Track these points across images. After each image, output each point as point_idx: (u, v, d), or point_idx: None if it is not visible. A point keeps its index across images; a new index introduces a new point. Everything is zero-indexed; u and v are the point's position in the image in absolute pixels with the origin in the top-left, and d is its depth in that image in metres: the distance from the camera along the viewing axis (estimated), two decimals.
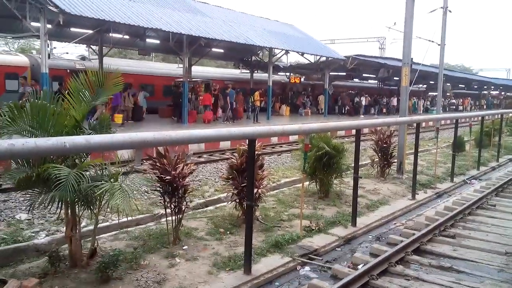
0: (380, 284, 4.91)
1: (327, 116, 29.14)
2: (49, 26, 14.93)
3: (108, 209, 5.12)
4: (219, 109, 23.40)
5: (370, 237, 6.88)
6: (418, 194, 9.38)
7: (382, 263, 5.35)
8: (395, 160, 11.04)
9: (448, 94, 45.36)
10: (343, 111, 32.77)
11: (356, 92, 37.29)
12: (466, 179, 11.43)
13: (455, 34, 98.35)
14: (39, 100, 4.63)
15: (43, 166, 4.28)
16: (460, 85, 50.20)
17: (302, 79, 33.14)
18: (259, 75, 30.67)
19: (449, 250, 6.04)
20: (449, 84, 40.46)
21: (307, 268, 5.51)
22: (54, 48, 27.53)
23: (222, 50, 27.26)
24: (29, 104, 4.56)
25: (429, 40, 20.37)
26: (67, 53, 25.26)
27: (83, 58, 24.96)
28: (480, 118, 14.32)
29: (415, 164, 9.27)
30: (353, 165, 7.47)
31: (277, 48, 24.11)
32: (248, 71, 30.88)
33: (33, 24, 15.22)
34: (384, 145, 10.65)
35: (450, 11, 20.41)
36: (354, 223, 7.07)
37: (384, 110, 35.76)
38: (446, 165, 12.53)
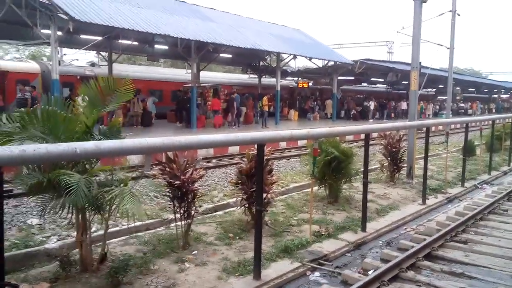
0: None
1: (336, 120, 29.07)
2: (59, 33, 15.10)
3: (118, 214, 5.13)
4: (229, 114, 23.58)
5: (380, 242, 6.83)
6: (428, 199, 9.30)
7: (393, 268, 5.30)
8: (405, 165, 10.97)
9: (458, 98, 45.00)
10: (350, 116, 32.50)
11: (364, 96, 37.17)
12: (477, 183, 11.31)
13: (464, 38, 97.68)
14: (49, 106, 4.67)
15: (54, 172, 4.32)
16: (470, 89, 49.81)
17: (310, 84, 33.12)
18: (267, 80, 30.73)
19: (460, 256, 5.97)
20: (458, 88, 40.18)
21: (317, 273, 5.47)
22: (65, 54, 27.85)
23: (230, 55, 27.40)
24: (40, 110, 4.61)
25: (438, 44, 20.28)
26: (77, 59, 25.47)
27: (92, 64, 25.21)
28: (490, 122, 14.19)
29: (425, 168, 9.21)
30: (362, 169, 7.44)
31: (285, 53, 24.14)
32: (256, 76, 30.95)
33: (44, 31, 15.42)
34: (394, 150, 10.58)
35: (459, 15, 20.36)
36: (364, 228, 7.02)
37: (392, 115, 35.49)
38: (457, 170, 12.42)
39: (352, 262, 5.96)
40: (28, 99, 16.09)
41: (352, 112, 32.52)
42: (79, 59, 26.81)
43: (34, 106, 14.59)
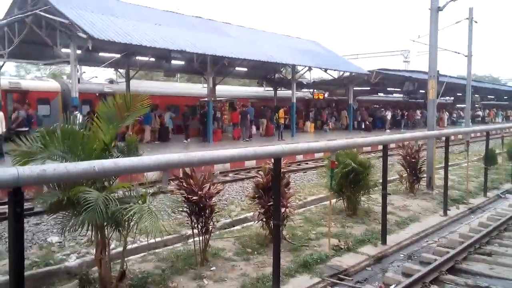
0: None
1: (352, 131, 28.84)
2: (78, 51, 15.45)
3: (137, 232, 5.16)
4: (253, 126, 24.32)
5: (402, 255, 6.68)
6: (450, 210, 9.10)
7: (416, 283, 5.18)
8: (424, 175, 10.78)
9: (477, 106, 44.12)
10: (362, 127, 31.40)
11: (380, 106, 36.81)
12: (500, 193, 11.04)
13: (482, 44, 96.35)
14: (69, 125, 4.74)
15: (73, 189, 4.36)
16: (489, 96, 48.95)
17: (326, 95, 33.01)
18: (282, 92, 30.78)
19: (485, 269, 5.81)
20: (477, 95, 39.51)
21: None
22: (84, 72, 28.40)
23: (245, 69, 27.60)
24: (59, 130, 4.69)
25: (456, 52, 20.07)
26: (96, 77, 26.00)
27: (111, 81, 25.67)
28: None
29: (446, 178, 9.03)
30: (380, 181, 7.33)
31: (300, 65, 24.17)
32: (272, 89, 31.03)
33: (64, 50, 15.80)
34: (413, 160, 10.42)
35: (476, 22, 20.12)
36: (384, 241, 6.89)
37: (404, 124, 34.75)
38: (478, 179, 12.15)
39: (373, 277, 5.84)
40: (21, 117, 15.84)
41: (364, 123, 31.49)
42: (98, 76, 27.37)
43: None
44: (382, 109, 34.43)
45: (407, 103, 39.64)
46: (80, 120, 16.44)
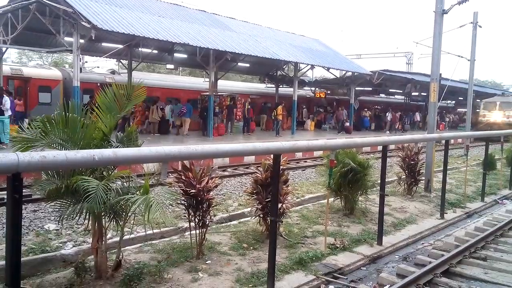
0: None
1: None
2: (81, 41, 15.40)
3: (133, 221, 5.17)
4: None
5: (397, 256, 6.70)
6: (446, 213, 9.12)
7: (410, 284, 5.19)
8: (423, 178, 10.79)
9: (477, 110, 43.92)
10: (342, 128, 28.90)
11: (380, 107, 36.77)
12: (498, 199, 11.06)
13: (485, 49, 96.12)
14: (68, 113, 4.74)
15: (73, 178, 4.37)
16: None
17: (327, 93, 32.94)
18: (284, 89, 30.76)
19: (480, 273, 5.82)
20: (478, 100, 39.47)
21: (331, 287, 5.39)
22: (86, 62, 28.35)
23: (247, 65, 27.58)
24: (59, 117, 4.68)
25: (459, 56, 20.02)
26: (98, 67, 25.96)
27: (113, 72, 25.62)
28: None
29: (444, 182, 9.04)
30: (378, 181, 7.34)
31: (303, 63, 24.16)
32: (273, 86, 31.01)
33: (66, 39, 15.77)
34: (412, 162, 10.43)
35: (480, 26, 20.08)
36: (380, 242, 6.91)
37: (401, 126, 34.59)
38: (476, 184, 12.18)
39: (367, 277, 5.86)
40: None
41: (344, 124, 29.02)
42: (100, 67, 27.31)
43: None
44: (366, 109, 34.04)
45: (407, 105, 39.53)
46: (8, 106, 16.36)
